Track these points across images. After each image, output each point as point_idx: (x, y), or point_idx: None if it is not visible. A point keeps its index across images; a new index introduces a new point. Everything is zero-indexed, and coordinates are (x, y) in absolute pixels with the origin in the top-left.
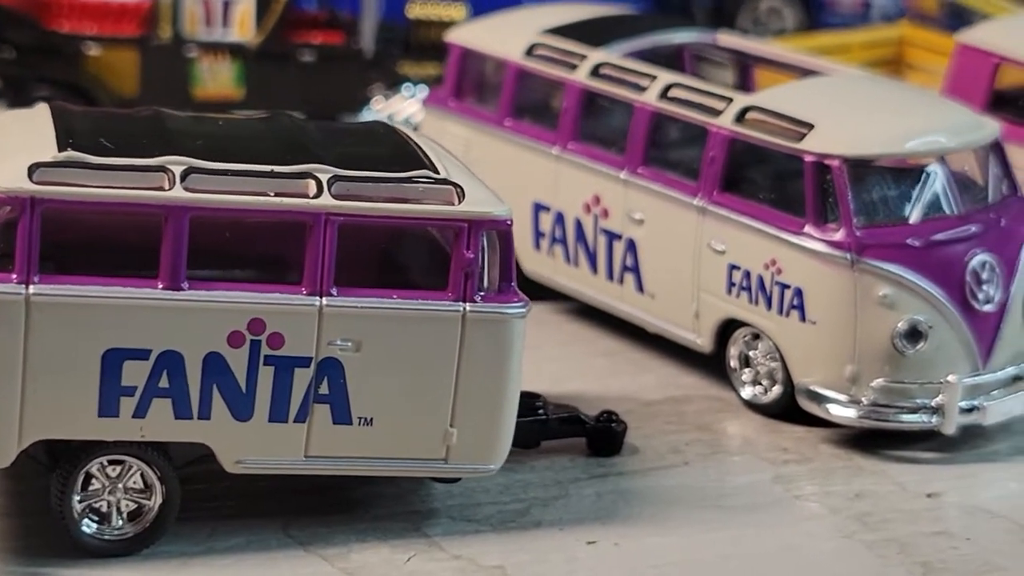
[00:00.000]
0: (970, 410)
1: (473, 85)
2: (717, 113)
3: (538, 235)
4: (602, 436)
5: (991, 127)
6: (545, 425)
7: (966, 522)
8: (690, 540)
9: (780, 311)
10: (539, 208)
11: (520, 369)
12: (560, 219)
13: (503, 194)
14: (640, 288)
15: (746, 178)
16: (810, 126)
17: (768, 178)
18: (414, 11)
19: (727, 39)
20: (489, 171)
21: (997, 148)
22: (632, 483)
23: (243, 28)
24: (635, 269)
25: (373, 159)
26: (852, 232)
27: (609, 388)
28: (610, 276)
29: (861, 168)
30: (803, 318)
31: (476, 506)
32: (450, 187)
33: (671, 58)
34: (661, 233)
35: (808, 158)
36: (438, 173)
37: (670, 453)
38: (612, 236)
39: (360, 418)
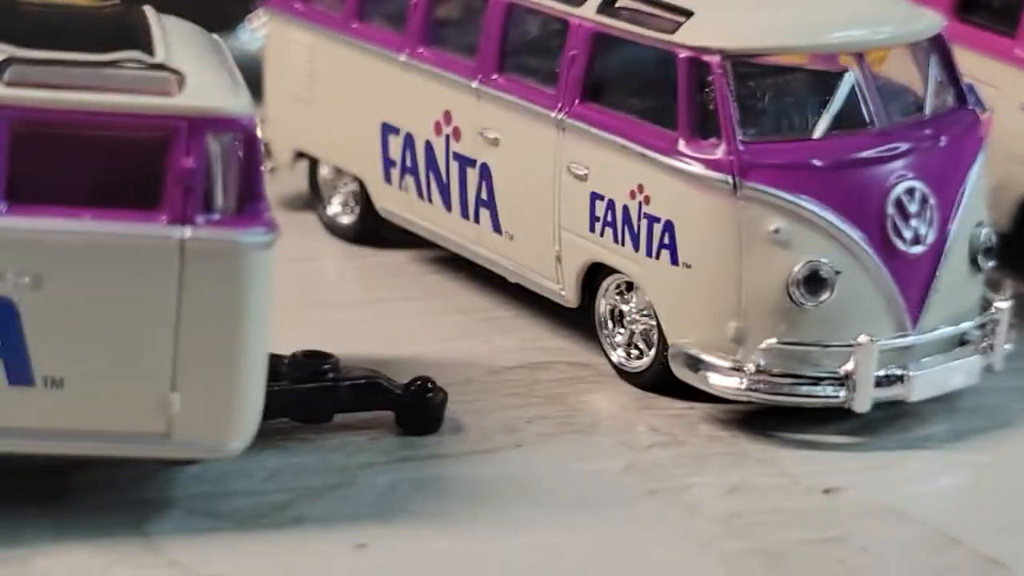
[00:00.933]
0: (891, 381)
1: None
2: (581, 1)
3: (388, 163)
4: (413, 409)
5: (929, 20)
6: (332, 394)
7: (867, 527)
8: (485, 546)
9: (649, 252)
10: (388, 130)
11: (266, 316)
12: (410, 143)
13: (348, 112)
14: (496, 227)
15: (613, 84)
16: (688, 14)
17: (638, 83)
18: None
19: None
20: (333, 87)
21: (939, 47)
22: (440, 470)
23: None
24: (491, 203)
25: (80, 40)
26: (735, 148)
27: (452, 352)
28: (464, 212)
29: (748, 66)
30: (675, 260)
31: (225, 497)
32: (166, 74)
33: None
34: (517, 156)
35: (681, 53)
36: (153, 56)
37: (501, 433)
38: (465, 162)
39: (45, 378)
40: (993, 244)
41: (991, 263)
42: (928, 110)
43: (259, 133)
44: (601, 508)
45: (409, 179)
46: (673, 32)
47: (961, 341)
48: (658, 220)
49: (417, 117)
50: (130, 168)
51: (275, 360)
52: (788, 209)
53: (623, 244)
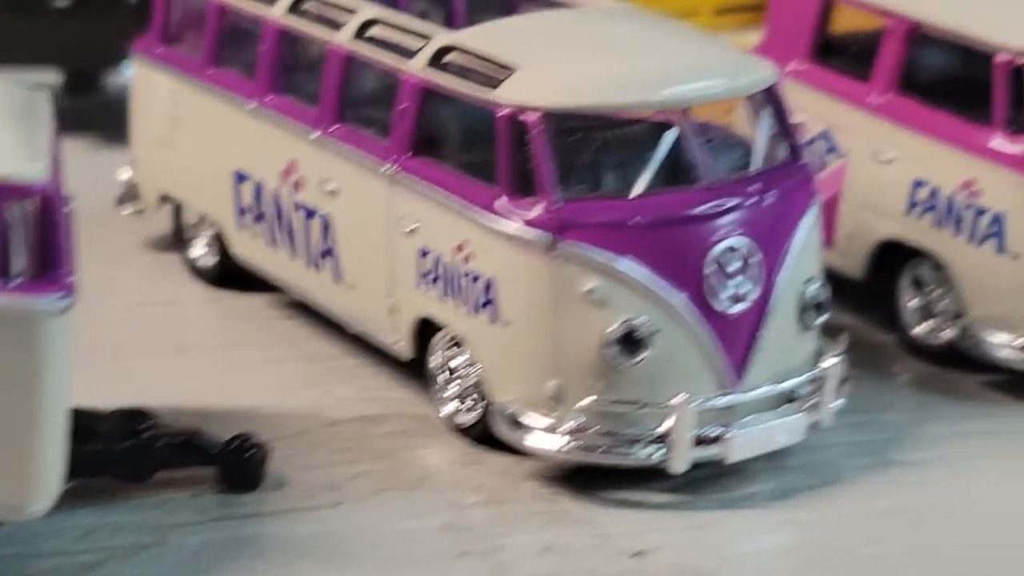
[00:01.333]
0: (710, 441)
1: (183, 28)
2: (411, 55)
3: (240, 210)
4: (233, 466)
5: (763, 72)
6: (149, 452)
7: None
8: None
9: (472, 309)
10: (240, 177)
11: (64, 379)
12: (259, 190)
13: (205, 158)
14: (338, 277)
15: (441, 138)
16: (511, 69)
17: (465, 138)
18: None
19: None
20: (192, 132)
21: (772, 100)
22: (257, 529)
23: None
24: (332, 253)
25: None
26: (552, 207)
27: (291, 403)
28: (309, 262)
29: (569, 123)
30: (496, 318)
31: (34, 558)
32: None
33: None
34: (354, 208)
35: (501, 110)
36: None
37: (325, 490)
38: (308, 212)
39: None
40: (824, 300)
41: (822, 319)
42: (757, 165)
43: (57, 197)
44: (412, 569)
45: (260, 226)
46: (495, 88)
47: (790, 398)
48: (479, 277)
49: (265, 165)
50: None
51: (94, 418)
52: (604, 269)
53: (448, 300)
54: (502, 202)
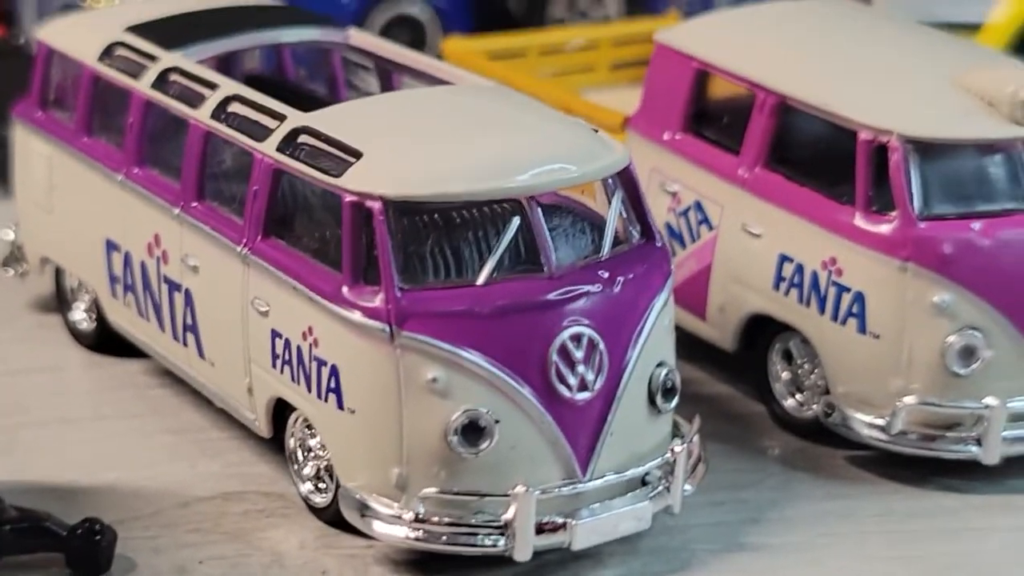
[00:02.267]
0: (554, 528)
1: (60, 93)
2: (265, 135)
3: (112, 278)
4: (80, 551)
5: (615, 156)
6: None
7: None
8: None
9: (319, 394)
10: (111, 246)
11: None
12: (128, 261)
13: (80, 228)
14: (200, 353)
15: (292, 221)
16: (358, 155)
17: (315, 223)
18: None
19: (360, 38)
20: (67, 199)
21: (627, 182)
22: None
23: None
24: (195, 328)
25: None
26: (393, 296)
27: (153, 479)
28: (175, 335)
29: (413, 211)
30: (340, 404)
31: None
32: None
33: (317, 61)
34: (212, 285)
35: (346, 197)
36: None
37: (173, 574)
38: (173, 286)
39: None
40: (675, 385)
41: (672, 404)
42: (607, 250)
43: None
44: None
45: (130, 296)
46: (340, 175)
47: (646, 482)
48: (326, 363)
49: (133, 237)
50: None
51: None
52: (446, 358)
53: (299, 383)
54: (346, 290)
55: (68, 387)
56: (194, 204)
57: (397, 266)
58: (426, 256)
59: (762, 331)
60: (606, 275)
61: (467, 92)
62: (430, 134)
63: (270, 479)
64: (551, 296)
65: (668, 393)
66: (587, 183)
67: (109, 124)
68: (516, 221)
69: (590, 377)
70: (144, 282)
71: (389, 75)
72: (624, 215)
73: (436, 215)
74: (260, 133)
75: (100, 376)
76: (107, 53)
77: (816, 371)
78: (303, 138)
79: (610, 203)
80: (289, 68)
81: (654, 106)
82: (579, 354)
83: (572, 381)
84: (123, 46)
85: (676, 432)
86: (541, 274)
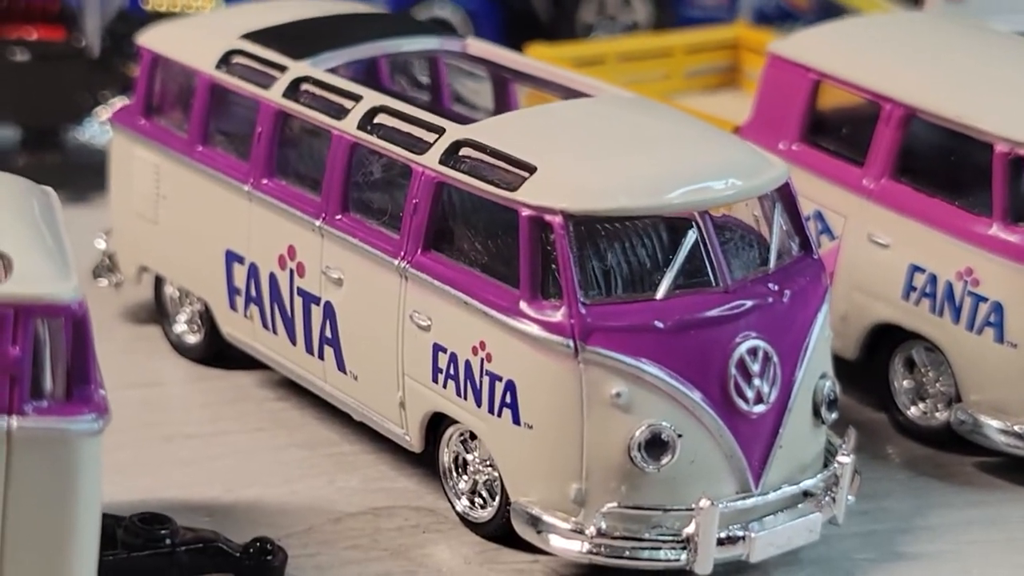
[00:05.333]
0: (733, 541)
1: (167, 100)
2: (424, 148)
3: (232, 291)
4: (252, 572)
5: (776, 171)
6: (170, 559)
7: None
8: None
9: (491, 409)
10: (232, 258)
11: (97, 494)
12: (254, 273)
13: (193, 239)
14: (341, 366)
15: (457, 235)
16: (531, 169)
17: (482, 236)
18: (153, 3)
19: (478, 47)
20: (178, 209)
21: (786, 197)
22: None
23: None
24: (335, 342)
25: None
26: (576, 311)
27: (296, 495)
28: (309, 348)
29: (591, 226)
30: (517, 420)
31: None
32: None
33: (424, 69)
34: (360, 298)
35: (524, 212)
36: None
37: None
38: (309, 298)
39: None
40: (836, 396)
41: (834, 415)
42: (772, 263)
43: (88, 315)
44: None
45: (254, 308)
46: (516, 189)
47: (808, 493)
48: (500, 379)
49: (261, 249)
50: None
51: (112, 523)
52: (629, 372)
53: (465, 398)
54: (524, 305)
55: (183, 401)
56: (338, 216)
57: (579, 280)
58: (605, 270)
59: (886, 340)
60: (775, 288)
61: (616, 104)
62: (596, 147)
63: (416, 493)
64: (728, 310)
65: (831, 404)
66: (756, 197)
67: (228, 133)
68: (692, 235)
69: (766, 390)
70: (273, 294)
71: (505, 84)
72: (783, 228)
73: (613, 229)
74: (418, 146)
75: (213, 389)
76: (224, 61)
77: (941, 379)
78: (465, 151)
79: (770, 217)
80: (384, 76)
81: (768, 116)
82: (756, 367)
83: (749, 394)
84: (242, 54)
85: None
86: (716, 288)
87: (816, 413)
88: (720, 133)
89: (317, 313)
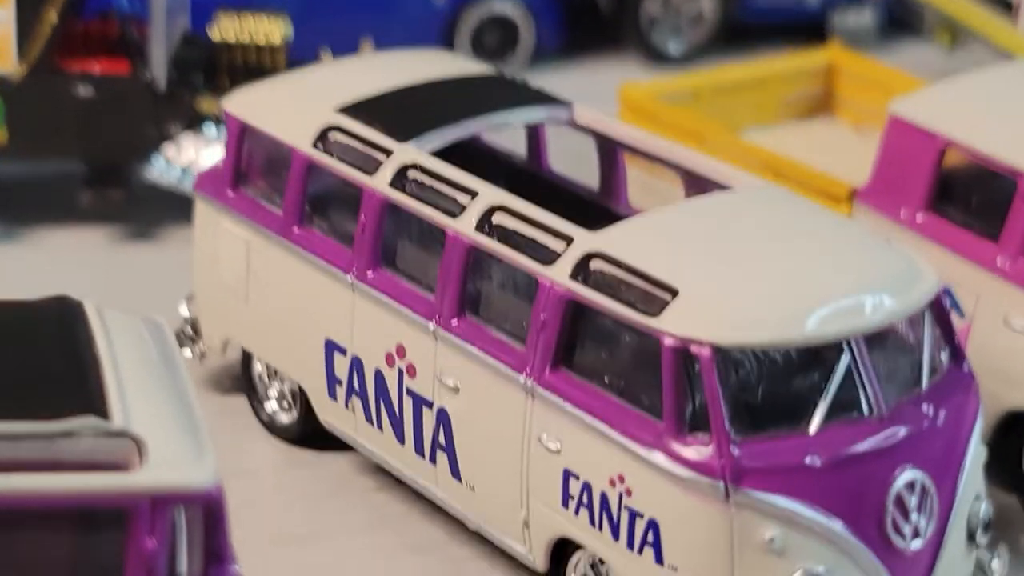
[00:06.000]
0: None
1: (258, 170)
2: (552, 259)
3: (333, 380)
4: None
5: (927, 284)
6: None
7: None
8: None
9: (630, 545)
10: (332, 347)
11: None
12: (358, 366)
13: (288, 321)
14: (456, 474)
15: (590, 355)
16: (673, 291)
17: (619, 359)
18: (220, 31)
19: (585, 117)
20: (272, 290)
21: (936, 309)
22: None
23: (2, 56)
24: (449, 448)
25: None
26: (727, 450)
27: None
28: (420, 451)
29: (738, 358)
30: (660, 560)
31: None
32: (126, 442)
33: (526, 135)
34: (480, 410)
35: (667, 341)
36: (109, 416)
37: None
38: (421, 401)
39: None
40: (991, 518)
41: (988, 536)
42: (925, 382)
43: (223, 496)
44: None
45: (356, 401)
46: (657, 315)
47: None
48: (641, 516)
49: (366, 343)
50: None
51: None
52: (783, 515)
53: (601, 530)
54: (668, 440)
55: (277, 494)
56: (454, 321)
57: (729, 417)
58: (755, 404)
59: (1020, 427)
60: (930, 410)
61: (751, 202)
62: (738, 261)
63: None
64: (884, 440)
65: (987, 527)
66: (908, 316)
67: (329, 215)
68: (845, 362)
69: (923, 524)
70: (380, 391)
71: (613, 154)
72: (934, 340)
73: (762, 359)
74: (544, 255)
75: (311, 478)
76: (322, 138)
77: None
78: (597, 264)
79: (921, 330)
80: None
81: (890, 181)
82: (913, 501)
83: (906, 530)
84: (341, 132)
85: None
86: (870, 417)
87: (971, 537)
88: (866, 235)
89: (429, 417)
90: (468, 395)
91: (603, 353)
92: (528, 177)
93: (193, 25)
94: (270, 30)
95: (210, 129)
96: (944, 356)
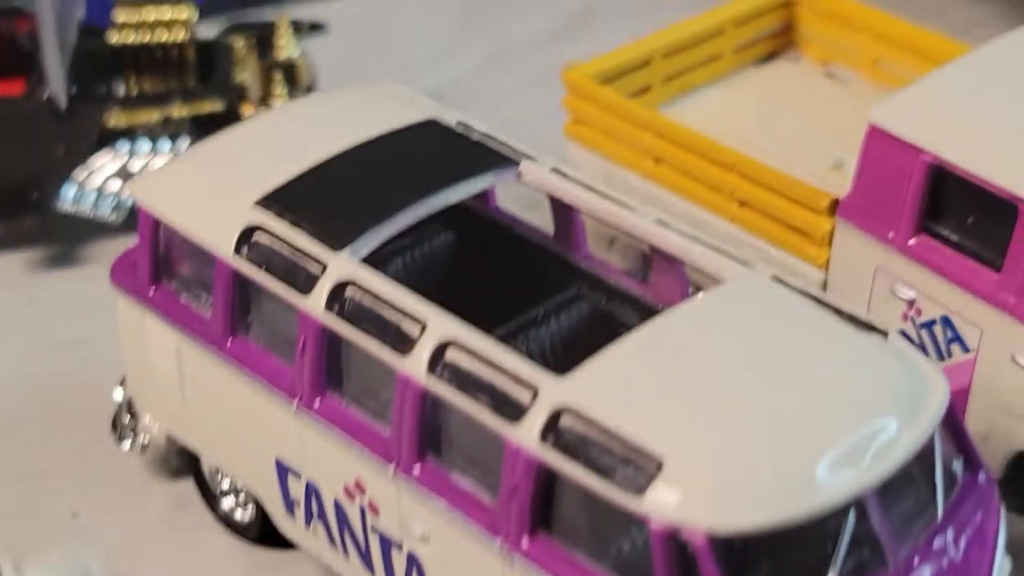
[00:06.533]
0: None
1: (181, 263)
2: (517, 415)
3: (289, 501)
4: None
5: (938, 392)
6: None
7: None
8: None
9: None
10: (285, 469)
11: None
12: (315, 493)
13: (233, 432)
14: None
15: (569, 518)
16: (658, 463)
17: (603, 524)
18: (119, 28)
19: (533, 174)
20: (210, 400)
21: (948, 419)
22: None
23: None
24: None
25: None
26: None
27: None
28: None
29: (738, 541)
30: None
31: None
32: None
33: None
34: (455, 564)
35: (655, 524)
36: None
37: None
38: (388, 542)
39: None
40: None
41: None
42: (941, 509)
43: None
44: None
45: (319, 525)
46: (641, 492)
47: None
48: None
49: (321, 472)
50: None
51: None
52: None
53: None
54: None
55: None
56: (415, 467)
57: None
58: None
59: None
60: (949, 541)
61: (734, 317)
62: (729, 408)
63: None
64: None
65: None
66: (922, 441)
67: (265, 322)
68: (853, 518)
69: None
70: (342, 522)
71: (566, 209)
72: (946, 453)
73: (768, 538)
74: (508, 409)
75: None
76: (244, 240)
77: None
78: (568, 421)
79: (934, 451)
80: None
81: (873, 197)
82: None
83: None
84: (265, 233)
85: None
86: (883, 570)
87: None
88: (865, 344)
89: (399, 558)
90: (439, 547)
91: (585, 517)
92: (480, 222)
93: (89, 15)
94: (175, 16)
95: (123, 146)
96: (957, 465)
